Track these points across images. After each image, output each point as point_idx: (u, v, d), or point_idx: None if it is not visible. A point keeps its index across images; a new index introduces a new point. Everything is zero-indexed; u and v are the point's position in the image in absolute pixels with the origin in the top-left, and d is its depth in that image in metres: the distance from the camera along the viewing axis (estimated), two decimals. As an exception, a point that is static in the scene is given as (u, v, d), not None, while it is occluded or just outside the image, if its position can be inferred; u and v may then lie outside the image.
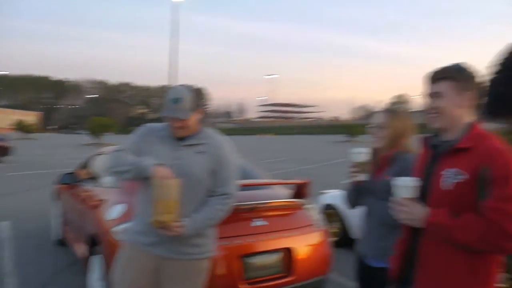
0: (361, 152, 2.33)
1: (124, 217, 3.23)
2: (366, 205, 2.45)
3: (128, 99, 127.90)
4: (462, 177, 1.71)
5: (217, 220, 2.40)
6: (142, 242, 2.38)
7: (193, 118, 2.35)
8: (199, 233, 2.36)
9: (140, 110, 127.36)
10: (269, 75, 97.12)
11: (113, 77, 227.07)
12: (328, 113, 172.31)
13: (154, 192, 2.21)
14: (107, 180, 4.04)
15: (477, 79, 1.86)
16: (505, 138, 1.96)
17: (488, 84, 1.76)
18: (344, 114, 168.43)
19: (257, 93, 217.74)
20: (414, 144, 2.41)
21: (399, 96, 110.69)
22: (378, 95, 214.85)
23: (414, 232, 1.93)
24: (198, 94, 2.37)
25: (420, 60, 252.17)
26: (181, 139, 2.39)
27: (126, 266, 2.42)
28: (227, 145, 2.46)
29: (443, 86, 1.84)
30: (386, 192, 2.29)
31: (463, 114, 1.86)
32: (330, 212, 6.19)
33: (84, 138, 46.35)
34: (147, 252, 2.37)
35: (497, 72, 3.33)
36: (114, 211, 3.42)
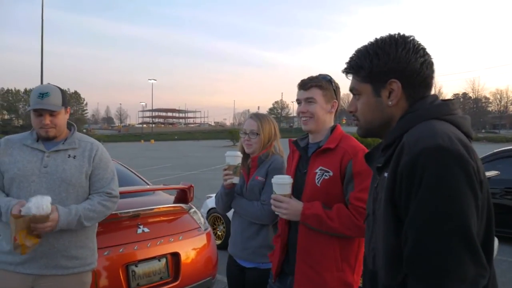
0: (235, 155, 2.40)
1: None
2: (237, 207, 2.54)
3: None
4: (329, 173, 1.96)
5: (99, 214, 2.27)
6: (10, 262, 2.18)
7: (62, 115, 2.27)
8: (79, 225, 2.19)
9: (3, 115, 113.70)
10: (150, 79, 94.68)
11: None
12: (211, 119, 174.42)
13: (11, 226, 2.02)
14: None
15: (339, 90, 2.15)
16: (359, 139, 2.28)
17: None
18: (227, 119, 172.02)
19: (138, 98, 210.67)
20: (280, 146, 2.62)
21: (278, 102, 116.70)
22: (259, 101, 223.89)
23: (290, 227, 2.12)
24: (63, 92, 2.32)
25: (294, 68, 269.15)
26: (48, 145, 2.28)
27: None
28: (102, 148, 2.41)
29: (315, 93, 2.09)
30: (256, 193, 2.46)
31: (329, 119, 2.14)
32: (215, 216, 6.33)
33: None
34: (18, 273, 2.17)
35: None
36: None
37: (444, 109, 1.19)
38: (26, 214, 1.98)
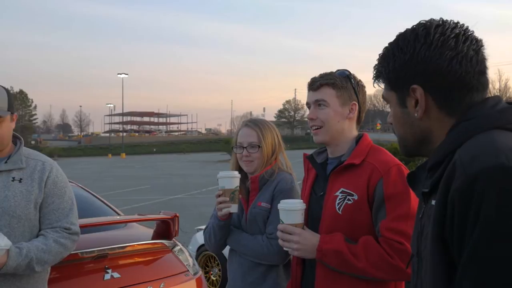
0: (231, 176, 2.41)
1: None
2: (235, 244, 2.54)
3: None
4: (354, 197, 1.98)
5: (55, 256, 2.28)
6: None
7: (6, 124, 2.28)
8: (27, 270, 2.19)
9: None
10: (120, 74, 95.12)
11: None
12: (201, 125, 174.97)
13: None
14: None
15: (362, 89, 2.18)
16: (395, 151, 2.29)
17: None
18: (222, 125, 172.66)
19: (104, 99, 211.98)
20: (287, 160, 2.63)
21: (290, 101, 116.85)
22: (264, 100, 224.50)
23: (305, 267, 2.13)
24: (9, 93, 2.34)
25: (313, 56, 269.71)
26: None
27: None
28: (57, 169, 2.43)
29: (327, 94, 2.11)
30: (259, 224, 2.46)
31: (349, 126, 2.16)
32: (207, 254, 6.33)
33: None
34: None
35: None
36: None
37: (511, 115, 1.18)
38: None
